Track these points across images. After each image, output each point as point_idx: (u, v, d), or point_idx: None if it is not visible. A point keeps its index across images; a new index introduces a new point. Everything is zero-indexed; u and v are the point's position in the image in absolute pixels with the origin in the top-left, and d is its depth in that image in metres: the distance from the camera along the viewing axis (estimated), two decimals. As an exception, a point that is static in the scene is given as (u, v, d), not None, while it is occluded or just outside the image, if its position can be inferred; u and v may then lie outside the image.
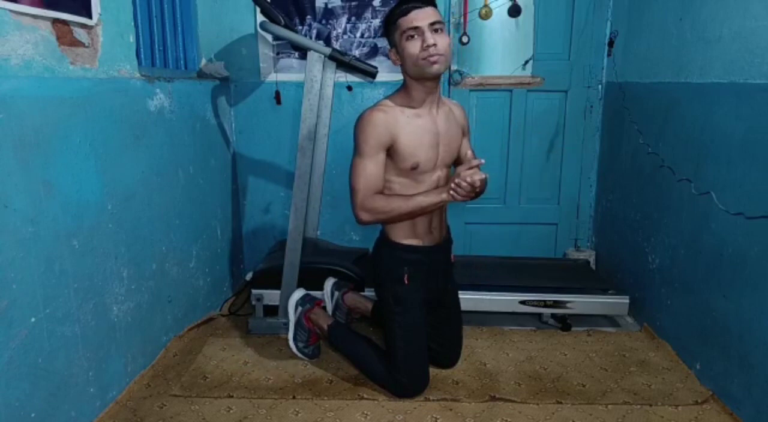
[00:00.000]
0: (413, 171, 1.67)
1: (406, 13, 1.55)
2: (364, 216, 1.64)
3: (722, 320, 1.74)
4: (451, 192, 1.54)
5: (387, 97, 1.71)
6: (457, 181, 1.51)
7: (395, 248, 1.77)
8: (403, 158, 1.64)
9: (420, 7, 1.55)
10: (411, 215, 1.66)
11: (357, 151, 1.65)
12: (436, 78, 1.63)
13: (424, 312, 1.80)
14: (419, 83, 1.64)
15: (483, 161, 1.52)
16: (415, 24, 1.54)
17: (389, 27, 1.62)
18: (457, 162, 1.89)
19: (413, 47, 1.57)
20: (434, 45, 1.54)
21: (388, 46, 1.68)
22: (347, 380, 1.87)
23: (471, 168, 1.51)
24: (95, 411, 1.61)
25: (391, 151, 1.64)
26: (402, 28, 1.57)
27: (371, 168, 1.63)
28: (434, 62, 1.56)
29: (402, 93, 1.69)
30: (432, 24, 1.55)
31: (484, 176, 1.51)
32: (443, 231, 1.84)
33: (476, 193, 1.55)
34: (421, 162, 1.66)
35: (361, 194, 1.63)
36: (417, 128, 1.65)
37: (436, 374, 1.88)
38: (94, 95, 1.57)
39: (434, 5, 1.59)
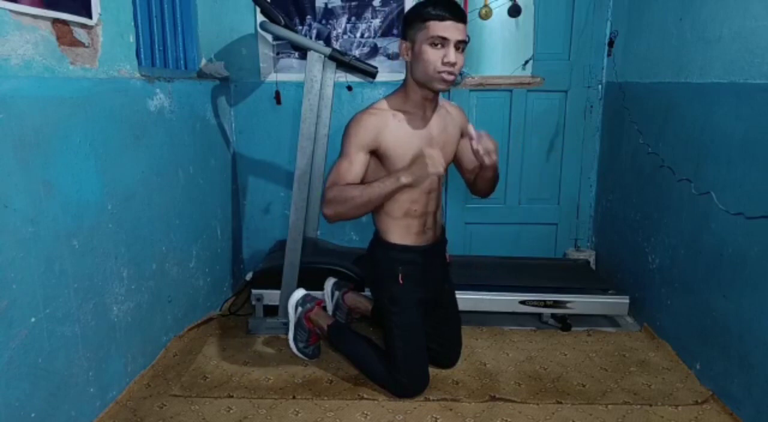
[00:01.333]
0: None
1: (441, 19, 1.51)
2: (325, 209, 1.60)
3: (722, 320, 1.74)
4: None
5: (384, 98, 1.71)
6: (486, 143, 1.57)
7: (389, 248, 1.77)
8: (393, 161, 1.63)
9: (457, 21, 1.52)
10: (370, 204, 1.59)
11: (340, 150, 1.65)
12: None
13: (421, 311, 1.80)
14: (420, 87, 1.63)
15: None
16: (446, 35, 1.52)
17: (414, 21, 1.56)
18: (456, 163, 1.89)
19: (434, 55, 1.54)
20: (454, 64, 1.54)
21: (401, 37, 1.63)
22: (347, 380, 1.87)
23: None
24: (95, 411, 1.61)
25: (379, 154, 1.64)
26: (431, 32, 1.52)
27: (345, 166, 1.61)
28: (446, 81, 1.57)
29: (400, 93, 1.69)
30: (459, 41, 1.54)
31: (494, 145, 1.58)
32: (437, 231, 1.84)
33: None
34: None
35: (327, 189, 1.61)
36: (407, 132, 1.64)
37: (436, 374, 1.88)
38: (94, 95, 1.56)
39: (467, 23, 1.57)
